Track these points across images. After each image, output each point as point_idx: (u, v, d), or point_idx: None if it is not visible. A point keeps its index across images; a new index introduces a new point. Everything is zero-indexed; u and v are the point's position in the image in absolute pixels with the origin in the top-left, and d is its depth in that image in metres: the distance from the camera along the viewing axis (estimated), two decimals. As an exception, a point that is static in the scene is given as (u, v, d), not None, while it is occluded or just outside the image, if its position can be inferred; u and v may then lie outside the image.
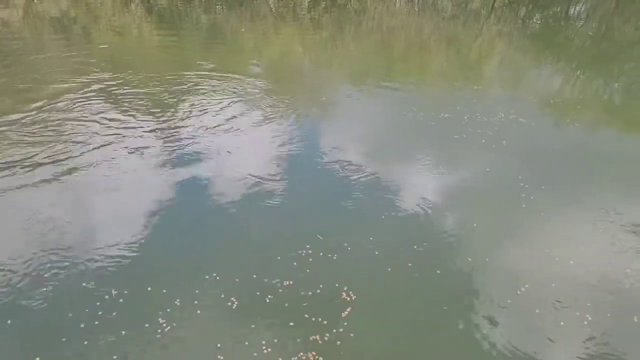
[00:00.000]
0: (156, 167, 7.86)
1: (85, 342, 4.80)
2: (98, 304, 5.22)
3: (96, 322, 5.01)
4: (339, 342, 4.97)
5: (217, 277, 5.64)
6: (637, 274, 6.15)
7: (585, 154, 9.31)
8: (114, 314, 5.12)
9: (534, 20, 21.47)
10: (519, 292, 5.74)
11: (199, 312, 5.21)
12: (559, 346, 5.16)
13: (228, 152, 8.40)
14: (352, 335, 5.05)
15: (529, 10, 22.24)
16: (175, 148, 8.41)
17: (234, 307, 5.30)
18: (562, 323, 5.39)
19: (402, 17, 19.28)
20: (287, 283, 5.60)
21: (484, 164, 8.47)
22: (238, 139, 8.91)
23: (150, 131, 8.92)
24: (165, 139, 8.68)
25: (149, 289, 5.42)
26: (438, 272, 5.97)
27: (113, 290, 5.38)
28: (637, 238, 6.80)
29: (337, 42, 15.96)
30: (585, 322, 5.41)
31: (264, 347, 4.85)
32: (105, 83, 10.80)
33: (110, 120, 9.23)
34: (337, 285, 5.62)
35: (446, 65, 14.63)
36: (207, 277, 5.64)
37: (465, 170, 8.31)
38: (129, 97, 10.23)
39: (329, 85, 12.45)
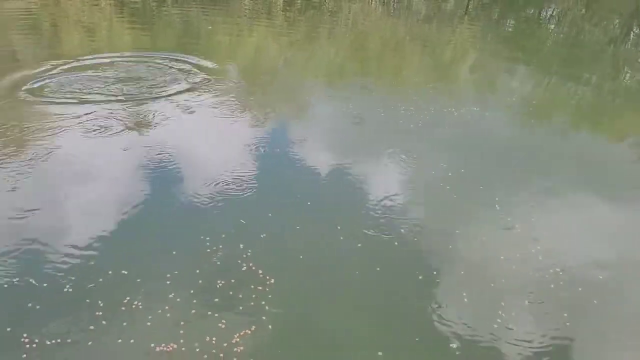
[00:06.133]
0: (122, 159, 7.80)
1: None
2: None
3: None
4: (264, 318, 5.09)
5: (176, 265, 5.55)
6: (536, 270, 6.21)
7: (541, 152, 9.51)
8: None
9: (508, 23, 21.76)
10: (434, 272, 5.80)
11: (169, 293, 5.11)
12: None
13: (191, 146, 8.34)
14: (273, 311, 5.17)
15: (503, 12, 22.51)
16: (145, 141, 8.50)
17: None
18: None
19: (377, 18, 19.35)
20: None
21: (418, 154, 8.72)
22: (207, 135, 8.93)
23: (121, 123, 8.94)
24: (138, 132, 8.75)
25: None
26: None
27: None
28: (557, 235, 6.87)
29: (311, 42, 15.93)
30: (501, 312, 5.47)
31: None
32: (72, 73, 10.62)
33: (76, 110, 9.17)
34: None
35: (418, 66, 14.72)
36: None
37: (413, 164, 8.51)
38: (97, 91, 10.06)
39: (301, 85, 12.43)
